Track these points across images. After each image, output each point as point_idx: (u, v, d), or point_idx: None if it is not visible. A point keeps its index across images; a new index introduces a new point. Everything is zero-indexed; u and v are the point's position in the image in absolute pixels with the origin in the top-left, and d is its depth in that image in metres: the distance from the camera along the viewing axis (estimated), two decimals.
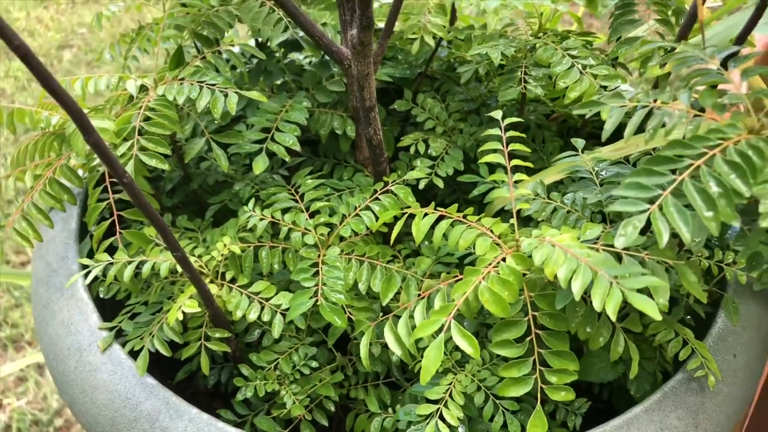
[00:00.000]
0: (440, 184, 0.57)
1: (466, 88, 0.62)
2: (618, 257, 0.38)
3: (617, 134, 0.41)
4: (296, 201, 0.53)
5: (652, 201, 0.32)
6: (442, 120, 0.61)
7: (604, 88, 0.52)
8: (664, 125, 0.37)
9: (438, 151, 0.59)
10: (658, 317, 0.31)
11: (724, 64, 0.38)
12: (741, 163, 0.33)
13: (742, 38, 0.41)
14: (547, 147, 0.60)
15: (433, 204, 0.46)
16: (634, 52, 0.53)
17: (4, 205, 1.70)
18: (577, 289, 0.34)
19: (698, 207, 0.32)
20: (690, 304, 0.52)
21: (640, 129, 0.39)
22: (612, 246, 0.38)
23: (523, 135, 0.44)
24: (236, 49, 0.56)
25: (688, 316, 0.55)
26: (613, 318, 0.32)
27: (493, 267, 0.38)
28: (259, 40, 0.60)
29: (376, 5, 0.67)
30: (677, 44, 0.41)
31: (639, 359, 0.52)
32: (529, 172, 0.59)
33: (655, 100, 0.37)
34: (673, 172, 0.33)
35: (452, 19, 0.68)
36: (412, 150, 0.59)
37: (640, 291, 0.33)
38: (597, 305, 0.33)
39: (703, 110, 0.37)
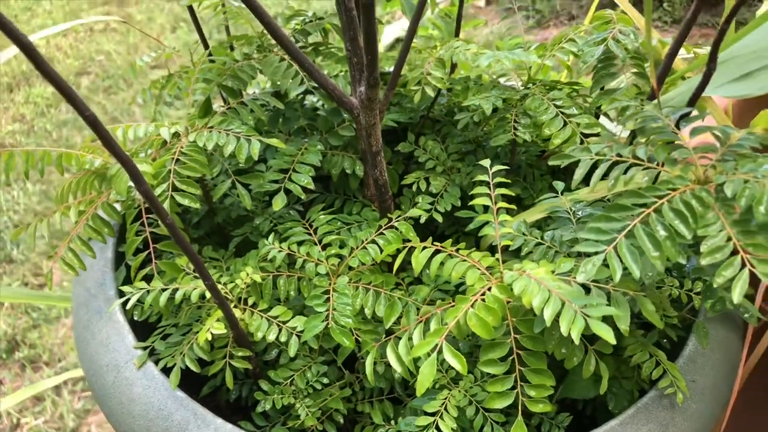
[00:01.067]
0: (439, 218, 0.64)
1: (464, 131, 0.70)
2: (587, 289, 0.45)
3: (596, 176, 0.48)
4: (310, 234, 0.61)
5: (609, 243, 0.39)
6: (442, 160, 0.68)
7: (585, 135, 0.59)
8: (625, 172, 0.44)
9: (438, 188, 0.66)
10: (613, 341, 0.38)
11: (678, 123, 0.45)
12: (684, 211, 0.40)
13: (693, 101, 0.48)
14: (537, 185, 0.67)
15: (430, 239, 0.53)
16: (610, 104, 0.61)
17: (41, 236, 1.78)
18: (547, 317, 0.41)
19: (647, 249, 0.39)
20: (664, 329, 0.59)
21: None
22: (594, 280, 0.45)
23: (508, 181, 0.51)
24: (257, 97, 0.64)
25: (665, 339, 0.62)
26: (576, 341, 0.39)
27: (481, 296, 0.45)
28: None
29: (380, 48, 0.75)
30: (640, 103, 0.48)
31: (619, 378, 0.60)
32: (521, 207, 0.66)
33: (618, 155, 0.44)
34: (628, 218, 0.40)
35: (453, 67, 0.76)
36: (414, 187, 0.67)
37: (604, 319, 0.40)
38: (563, 330, 0.40)
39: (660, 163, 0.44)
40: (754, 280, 0.39)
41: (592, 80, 0.63)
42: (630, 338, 0.57)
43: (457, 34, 0.72)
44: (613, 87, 0.63)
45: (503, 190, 0.50)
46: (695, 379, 0.57)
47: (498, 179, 0.51)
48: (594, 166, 0.45)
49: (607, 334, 0.38)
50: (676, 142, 0.44)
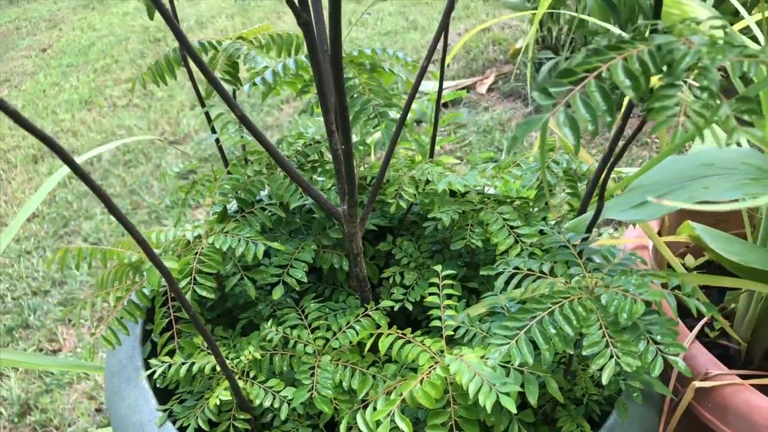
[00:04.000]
0: (410, 307, 0.81)
1: (434, 234, 0.87)
2: (507, 371, 0.61)
3: None
4: (302, 319, 0.78)
5: (512, 338, 0.56)
6: (415, 257, 0.85)
7: (524, 242, 0.76)
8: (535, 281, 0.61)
9: (410, 281, 0.83)
10: (513, 410, 0.54)
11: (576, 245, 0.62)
12: (570, 315, 0.56)
13: (590, 227, 0.65)
14: (492, 282, 0.84)
15: (395, 327, 0.69)
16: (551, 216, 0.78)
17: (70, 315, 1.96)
18: (471, 392, 0.57)
19: (539, 342, 0.55)
20: (591, 404, 0.74)
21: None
22: (508, 363, 0.61)
23: (454, 282, 0.68)
24: (264, 207, 0.82)
25: (594, 413, 0.77)
26: (489, 410, 0.55)
27: (427, 374, 0.62)
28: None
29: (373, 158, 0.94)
30: (551, 229, 0.65)
31: None
32: (478, 299, 0.82)
33: (529, 269, 0.61)
34: (528, 319, 0.57)
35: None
36: (391, 280, 0.84)
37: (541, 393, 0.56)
38: (480, 401, 0.56)
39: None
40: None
41: (535, 197, 0.80)
42: (563, 411, 0.72)
43: (431, 155, 0.90)
44: (551, 205, 0.81)
45: (449, 291, 0.67)
46: None
47: (447, 281, 0.68)
48: (513, 276, 0.62)
49: (510, 404, 0.55)
50: (572, 261, 0.61)
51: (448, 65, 2.85)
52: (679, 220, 0.93)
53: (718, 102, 0.50)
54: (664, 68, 0.52)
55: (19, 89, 3.35)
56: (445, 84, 2.66)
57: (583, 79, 0.50)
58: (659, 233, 0.97)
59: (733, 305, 0.93)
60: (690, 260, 0.99)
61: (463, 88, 2.65)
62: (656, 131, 0.51)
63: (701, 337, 0.93)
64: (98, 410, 1.70)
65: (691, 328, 0.82)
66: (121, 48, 3.61)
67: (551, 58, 2.56)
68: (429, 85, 2.61)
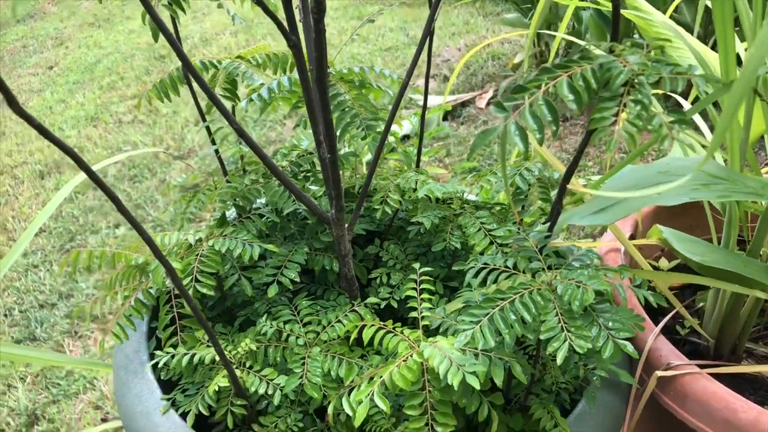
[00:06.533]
0: (395, 305, 0.89)
1: (418, 237, 0.96)
2: (476, 356, 0.69)
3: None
4: (295, 315, 0.86)
5: (477, 324, 0.64)
6: (401, 260, 0.94)
7: (500, 244, 0.84)
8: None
9: (396, 281, 0.91)
10: (477, 386, 0.62)
11: (540, 243, 0.70)
12: (529, 303, 0.65)
13: (551, 228, 0.73)
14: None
15: (377, 319, 0.78)
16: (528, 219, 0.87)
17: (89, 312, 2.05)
18: (441, 372, 0.65)
19: (500, 328, 0.63)
20: (561, 393, 0.82)
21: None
22: (475, 348, 0.69)
23: (431, 278, 0.77)
24: (261, 213, 0.91)
25: (566, 401, 0.85)
26: (456, 388, 0.63)
27: (404, 360, 0.70)
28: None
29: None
30: (516, 231, 0.74)
31: (527, 431, 0.82)
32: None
33: (496, 266, 0.70)
34: (491, 307, 0.65)
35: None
36: (378, 281, 0.92)
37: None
38: (449, 380, 0.64)
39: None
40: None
41: (512, 202, 0.89)
42: (535, 399, 0.80)
43: (417, 165, 0.99)
44: (528, 210, 0.89)
45: (426, 286, 0.76)
46: (581, 431, 0.80)
47: (424, 277, 0.76)
48: (482, 271, 0.70)
49: (474, 382, 0.63)
50: (533, 257, 0.70)
51: (452, 81, 2.95)
52: (651, 225, 1.01)
53: (651, 113, 0.58)
54: (605, 84, 0.60)
55: (26, 106, 3.47)
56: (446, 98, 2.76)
57: (533, 94, 0.59)
58: (633, 237, 1.05)
59: (701, 304, 1.01)
60: (664, 263, 1.07)
61: (463, 103, 2.75)
62: (594, 139, 0.60)
63: (672, 334, 1.01)
64: (104, 420, 1.78)
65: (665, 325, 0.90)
66: (127, 65, 3.74)
67: (509, 76, 2.65)
68: (436, 100, 2.71)
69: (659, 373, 0.83)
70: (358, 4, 4.23)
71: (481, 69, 3.02)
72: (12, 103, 0.49)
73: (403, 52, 3.36)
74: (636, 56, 0.61)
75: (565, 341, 0.63)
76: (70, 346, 2.00)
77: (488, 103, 2.73)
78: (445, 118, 2.69)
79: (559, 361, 0.62)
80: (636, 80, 0.59)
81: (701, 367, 0.83)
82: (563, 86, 0.59)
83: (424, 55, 3.28)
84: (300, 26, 0.80)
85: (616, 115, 0.58)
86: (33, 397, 1.85)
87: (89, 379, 1.84)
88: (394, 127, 0.95)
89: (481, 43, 3.27)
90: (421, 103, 2.54)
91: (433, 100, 2.72)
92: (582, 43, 1.16)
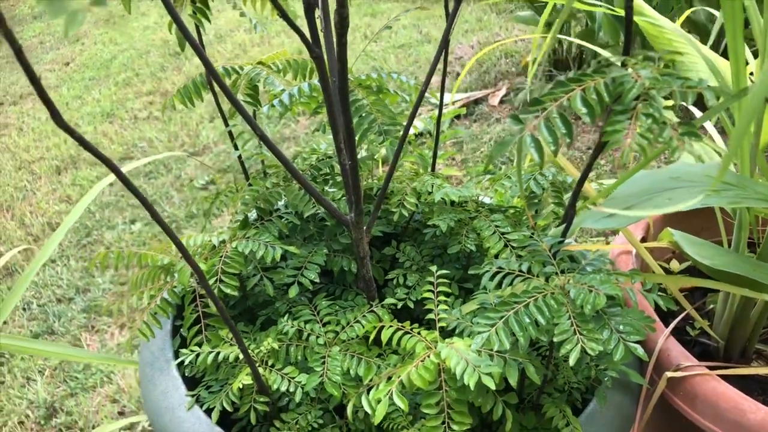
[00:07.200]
0: (412, 305, 0.92)
1: (434, 239, 0.99)
2: (491, 357, 0.72)
3: None
4: (315, 315, 0.89)
5: (492, 326, 0.67)
6: (417, 261, 0.97)
7: (514, 247, 0.87)
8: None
9: (412, 282, 0.94)
10: (493, 386, 0.65)
11: (552, 248, 0.73)
12: (543, 307, 0.67)
13: (564, 233, 0.76)
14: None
15: (395, 320, 0.81)
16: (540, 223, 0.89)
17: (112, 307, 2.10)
18: (458, 373, 0.68)
19: (515, 330, 0.66)
20: (573, 393, 0.85)
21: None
22: (491, 349, 0.72)
23: (450, 281, 0.80)
24: (281, 215, 0.94)
25: (577, 400, 0.87)
26: (472, 388, 0.66)
27: (422, 360, 0.73)
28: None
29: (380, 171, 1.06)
30: (530, 235, 0.76)
31: (539, 429, 0.85)
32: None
33: (510, 269, 0.73)
34: (507, 310, 0.68)
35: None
36: (395, 281, 0.95)
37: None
38: (465, 381, 0.67)
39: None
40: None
41: (526, 206, 0.92)
42: (547, 398, 0.83)
43: (433, 168, 1.02)
44: (541, 213, 0.92)
45: (444, 288, 0.79)
46: (593, 430, 0.82)
47: (441, 280, 0.79)
48: (496, 274, 0.73)
49: (490, 382, 0.66)
50: (547, 261, 0.72)
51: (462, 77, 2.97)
52: (663, 229, 1.04)
53: (662, 125, 0.61)
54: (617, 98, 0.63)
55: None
56: (458, 96, 2.78)
57: (548, 107, 0.62)
58: (645, 239, 1.08)
59: (712, 306, 1.03)
60: (675, 265, 1.09)
61: (476, 100, 2.77)
62: (607, 149, 0.63)
63: (684, 335, 1.03)
64: (121, 413, 1.82)
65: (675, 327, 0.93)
66: (142, 61, 3.78)
67: (563, 72, 2.67)
68: (446, 98, 2.73)
69: (669, 373, 0.85)
70: (372, 1, 4.25)
71: (494, 66, 3.04)
72: (56, 117, 0.52)
73: (417, 49, 3.38)
74: (647, 70, 0.63)
75: (577, 344, 0.66)
76: (87, 340, 2.05)
77: (501, 102, 2.75)
78: (457, 116, 2.71)
79: (571, 362, 0.65)
80: (648, 93, 0.62)
81: (711, 368, 0.85)
82: (577, 100, 0.61)
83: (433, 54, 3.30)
84: (320, 35, 0.83)
85: (628, 128, 0.60)
86: (51, 390, 1.89)
87: (106, 372, 1.88)
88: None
89: (494, 40, 3.29)
90: (433, 100, 2.56)
91: (444, 98, 2.74)
92: (593, 48, 1.18)
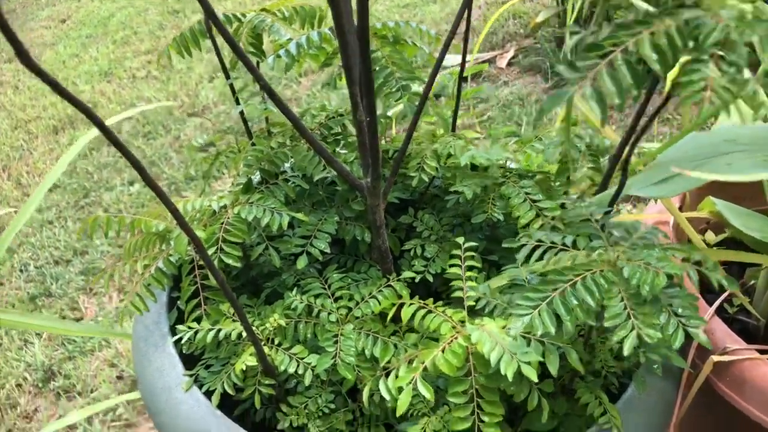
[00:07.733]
0: (431, 279, 0.82)
1: (455, 207, 0.88)
2: (528, 341, 0.62)
3: None
4: (325, 289, 0.79)
5: (534, 308, 0.57)
6: (436, 230, 0.87)
7: (545, 215, 0.77)
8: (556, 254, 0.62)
9: (431, 253, 0.84)
10: (535, 378, 0.56)
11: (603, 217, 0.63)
12: (592, 287, 0.57)
13: (612, 201, 0.65)
14: (513, 254, 0.85)
15: (417, 297, 0.71)
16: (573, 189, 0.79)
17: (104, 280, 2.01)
18: (493, 360, 0.58)
19: (561, 314, 0.56)
20: (609, 377, 0.76)
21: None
22: (529, 333, 0.62)
23: (475, 254, 0.70)
24: (288, 178, 0.84)
25: (613, 385, 0.78)
26: (510, 378, 0.56)
27: (448, 343, 0.63)
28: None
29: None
30: (573, 203, 0.66)
31: (572, 415, 0.76)
32: (499, 270, 0.84)
33: (551, 242, 0.62)
34: (551, 290, 0.58)
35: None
36: (412, 252, 0.85)
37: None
38: (502, 370, 0.57)
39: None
40: None
41: (556, 173, 0.81)
42: (581, 382, 0.74)
43: (453, 129, 0.91)
44: (576, 178, 0.81)
45: (471, 262, 0.68)
46: (631, 418, 0.73)
47: (469, 253, 0.69)
48: (535, 249, 0.63)
49: (531, 373, 0.56)
50: (594, 234, 0.62)
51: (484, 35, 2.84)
52: (699, 198, 0.93)
53: (745, 77, 0.50)
54: (691, 43, 0.52)
55: (38, 60, 3.38)
56: (473, 57, 2.64)
57: (610, 53, 0.51)
58: (680, 209, 0.98)
59: (753, 281, 0.93)
60: (710, 236, 1.00)
61: (484, 62, 2.64)
62: (682, 106, 0.52)
63: (720, 312, 0.94)
64: (119, 377, 1.74)
65: (710, 304, 0.83)
66: (140, 19, 3.62)
67: (576, 33, 2.53)
68: (449, 60, 2.60)
69: (716, 357, 0.76)
70: None
71: (502, 28, 2.90)
72: (23, 56, 0.41)
73: (422, 9, 3.23)
74: (728, 10, 0.52)
75: (632, 329, 0.56)
76: (85, 303, 1.96)
77: (509, 64, 2.62)
78: (465, 79, 2.58)
79: (626, 351, 0.55)
80: (728, 38, 0.51)
81: (761, 352, 0.76)
82: (645, 44, 0.51)
83: (446, 14, 3.14)
84: None
85: (706, 79, 0.50)
86: (49, 353, 1.82)
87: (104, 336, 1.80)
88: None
89: (502, 0, 3.14)
90: (446, 63, 2.43)
91: (452, 60, 2.61)
92: None
